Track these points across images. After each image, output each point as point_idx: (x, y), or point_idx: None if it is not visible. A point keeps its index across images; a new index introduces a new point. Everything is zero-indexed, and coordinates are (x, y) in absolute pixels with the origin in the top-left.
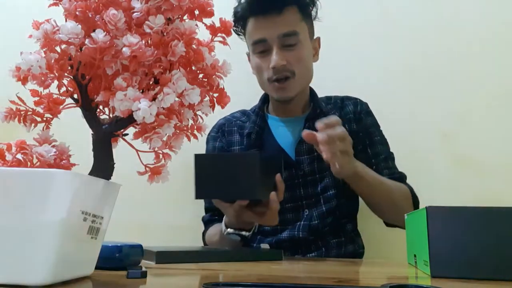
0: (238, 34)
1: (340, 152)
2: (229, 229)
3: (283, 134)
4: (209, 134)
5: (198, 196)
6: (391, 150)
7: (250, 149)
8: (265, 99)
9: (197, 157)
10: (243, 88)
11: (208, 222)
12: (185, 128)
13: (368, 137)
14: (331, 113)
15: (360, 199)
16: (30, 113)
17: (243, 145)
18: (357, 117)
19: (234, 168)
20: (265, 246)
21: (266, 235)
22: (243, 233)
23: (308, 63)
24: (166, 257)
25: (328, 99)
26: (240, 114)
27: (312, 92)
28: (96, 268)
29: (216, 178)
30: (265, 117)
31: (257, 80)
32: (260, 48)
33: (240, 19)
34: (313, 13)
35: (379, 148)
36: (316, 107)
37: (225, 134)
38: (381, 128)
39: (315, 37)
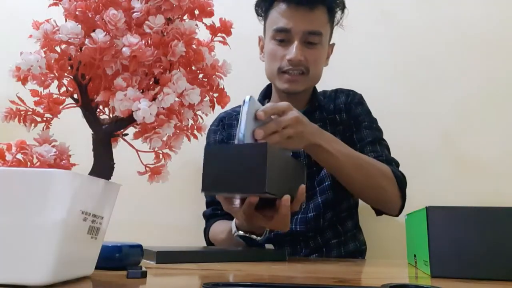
0: (258, 15)
1: (286, 138)
2: (240, 232)
3: None
4: (209, 127)
5: (204, 189)
6: (392, 150)
7: None
8: (265, 94)
9: (205, 148)
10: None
11: (210, 217)
12: (185, 128)
13: (356, 124)
14: (326, 106)
15: None
16: (30, 113)
17: None
18: (348, 108)
19: (242, 159)
20: (269, 246)
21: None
22: (254, 236)
23: (321, 65)
24: (166, 257)
25: (324, 93)
26: None
27: (313, 89)
28: (96, 268)
29: (224, 170)
30: None
31: (266, 67)
32: (281, 37)
33: (268, 0)
34: (338, 17)
35: (365, 133)
36: (314, 102)
37: (225, 127)
38: (374, 117)
39: (330, 43)
